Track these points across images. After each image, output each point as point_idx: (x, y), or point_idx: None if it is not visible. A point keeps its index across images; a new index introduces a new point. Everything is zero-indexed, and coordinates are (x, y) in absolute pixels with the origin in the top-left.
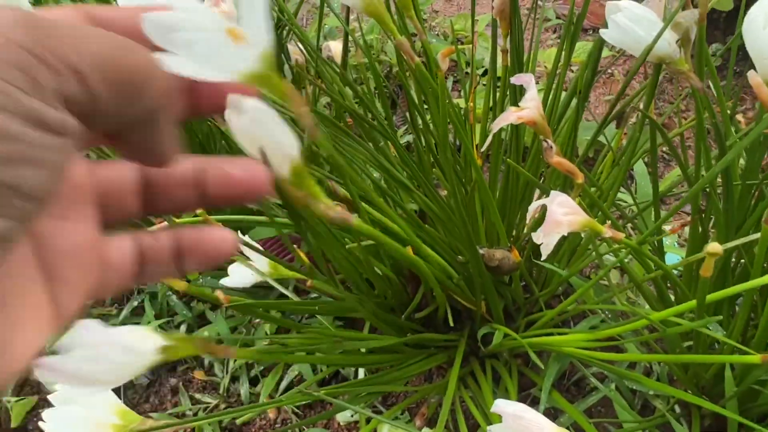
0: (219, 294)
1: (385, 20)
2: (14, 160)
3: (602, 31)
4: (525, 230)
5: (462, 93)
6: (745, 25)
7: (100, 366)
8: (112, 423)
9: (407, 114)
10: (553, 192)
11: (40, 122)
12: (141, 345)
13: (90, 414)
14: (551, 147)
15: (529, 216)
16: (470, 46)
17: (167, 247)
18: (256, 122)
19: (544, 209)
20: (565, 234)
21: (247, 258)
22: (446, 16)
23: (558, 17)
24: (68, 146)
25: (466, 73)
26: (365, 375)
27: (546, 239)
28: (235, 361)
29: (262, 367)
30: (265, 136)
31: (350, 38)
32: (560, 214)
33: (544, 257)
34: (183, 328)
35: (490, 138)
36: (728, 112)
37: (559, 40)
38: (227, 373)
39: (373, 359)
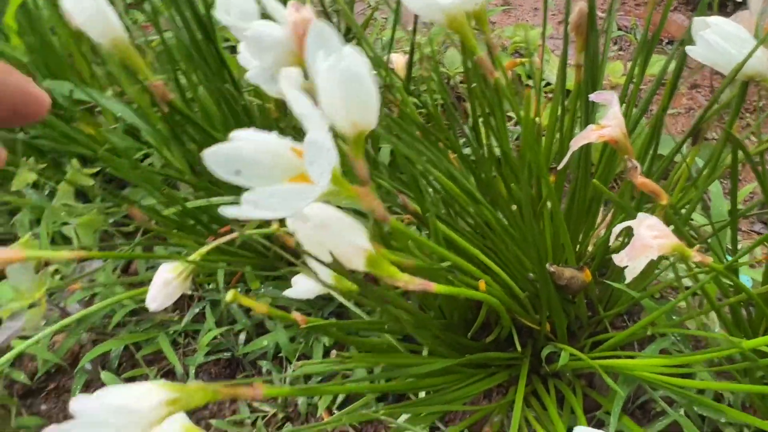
0: (296, 316)
1: (468, 36)
2: None
3: (689, 49)
4: (590, 248)
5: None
6: None
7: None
8: None
9: (464, 127)
10: (641, 214)
11: None
12: (142, 404)
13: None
14: (636, 167)
15: (612, 238)
16: (528, 60)
17: None
18: (321, 227)
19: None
20: (654, 258)
21: (311, 269)
22: (503, 28)
23: (619, 28)
24: None
25: (527, 85)
26: (426, 393)
27: (632, 263)
28: (294, 370)
29: (320, 378)
30: (333, 238)
31: (415, 50)
32: (650, 238)
33: (628, 280)
34: (242, 336)
35: (567, 156)
36: None
37: (620, 53)
38: (286, 382)
39: (433, 382)
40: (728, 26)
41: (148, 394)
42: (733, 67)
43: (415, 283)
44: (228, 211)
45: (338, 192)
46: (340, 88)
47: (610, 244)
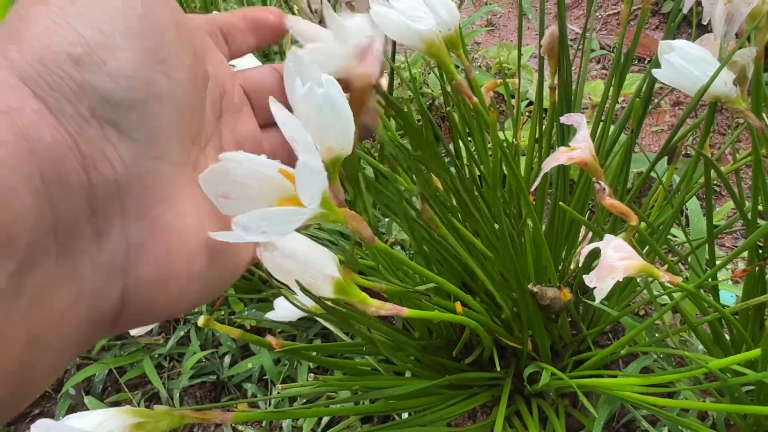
0: (271, 339)
1: (445, 62)
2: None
3: (655, 71)
4: (572, 266)
5: (506, 125)
6: None
7: None
8: None
9: (450, 146)
10: (607, 236)
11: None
12: (107, 428)
13: None
14: (604, 189)
15: (581, 260)
16: (513, 79)
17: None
18: (289, 257)
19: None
20: (620, 279)
21: (293, 292)
22: (487, 48)
23: (602, 47)
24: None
25: (507, 107)
26: (408, 415)
27: (600, 284)
28: (278, 393)
29: (305, 400)
30: (300, 267)
31: (395, 73)
32: (616, 259)
33: (597, 301)
34: (227, 359)
35: (539, 178)
36: None
37: (603, 71)
38: (270, 405)
39: (415, 403)
40: (692, 49)
41: (114, 419)
42: (698, 90)
43: (387, 309)
44: (219, 237)
45: (327, 215)
46: (316, 115)
47: (580, 265)
